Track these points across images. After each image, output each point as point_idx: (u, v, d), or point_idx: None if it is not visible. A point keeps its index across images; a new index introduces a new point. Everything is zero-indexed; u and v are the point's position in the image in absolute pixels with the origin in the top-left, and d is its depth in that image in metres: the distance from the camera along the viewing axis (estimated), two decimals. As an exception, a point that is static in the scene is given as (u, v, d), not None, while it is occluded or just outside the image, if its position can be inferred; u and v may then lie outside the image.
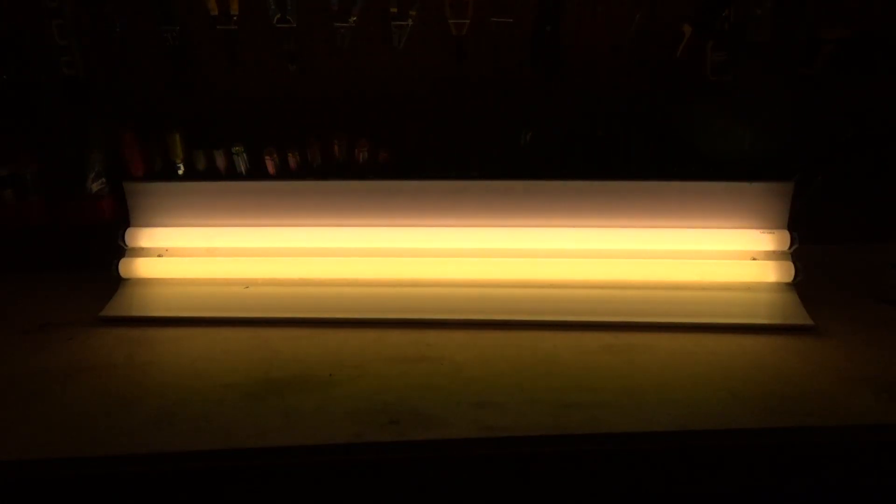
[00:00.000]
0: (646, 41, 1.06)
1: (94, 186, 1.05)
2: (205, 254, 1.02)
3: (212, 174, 1.06)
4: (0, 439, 0.70)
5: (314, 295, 0.99)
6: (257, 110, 1.10)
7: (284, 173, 1.05)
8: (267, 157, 1.03)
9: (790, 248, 0.97)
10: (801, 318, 0.92)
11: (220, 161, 1.06)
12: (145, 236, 1.02)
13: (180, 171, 1.06)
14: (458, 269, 0.99)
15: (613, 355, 0.85)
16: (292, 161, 1.05)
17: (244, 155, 1.05)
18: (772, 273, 0.97)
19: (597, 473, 0.72)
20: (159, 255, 1.02)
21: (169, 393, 0.78)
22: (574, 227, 0.99)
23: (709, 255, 0.98)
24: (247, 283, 1.01)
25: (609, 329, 0.91)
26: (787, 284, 0.97)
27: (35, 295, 1.03)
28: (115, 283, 1.01)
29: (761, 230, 0.97)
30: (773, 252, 0.98)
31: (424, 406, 0.74)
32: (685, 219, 0.99)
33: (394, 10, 1.02)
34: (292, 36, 1.04)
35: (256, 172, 1.06)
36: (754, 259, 0.98)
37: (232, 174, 1.06)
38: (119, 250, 1.02)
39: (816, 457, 0.72)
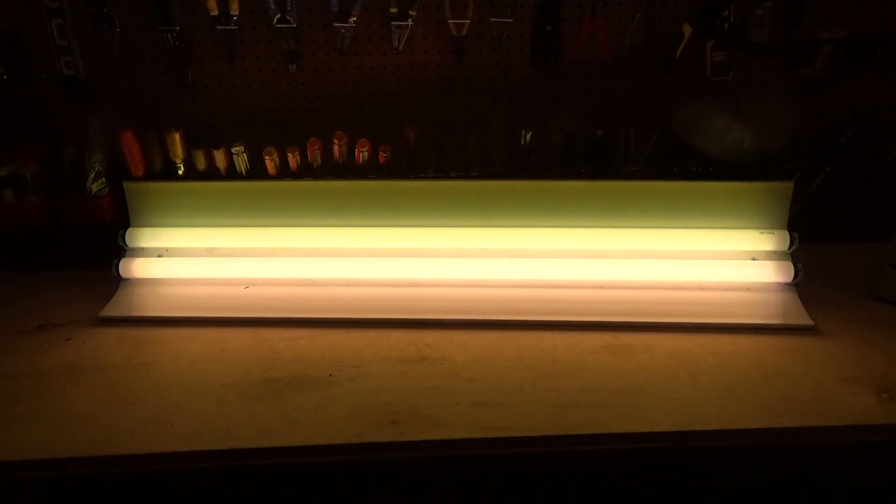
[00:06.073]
0: (646, 41, 1.06)
1: (94, 186, 1.05)
2: (205, 254, 1.02)
3: (212, 174, 1.06)
4: None
5: (314, 295, 0.99)
6: (257, 110, 1.10)
7: (284, 173, 1.05)
8: (267, 157, 1.03)
9: (790, 248, 0.97)
10: (801, 318, 0.92)
11: (220, 161, 1.06)
12: (145, 236, 1.02)
13: (180, 171, 1.06)
14: (458, 269, 0.98)
15: (613, 355, 0.85)
16: (292, 161, 1.05)
17: (244, 155, 1.05)
18: (772, 273, 0.97)
19: (597, 473, 0.72)
20: (159, 255, 1.02)
21: (169, 393, 0.78)
22: (574, 227, 0.99)
23: (709, 255, 0.98)
24: (247, 283, 1.01)
25: (609, 329, 0.91)
26: (787, 284, 0.97)
27: (35, 295, 1.03)
28: (115, 283, 1.01)
29: (761, 230, 0.98)
30: (773, 252, 0.98)
31: (424, 406, 0.75)
32: (685, 219, 0.99)
33: (394, 10, 1.02)
34: (292, 36, 1.04)
35: (256, 172, 1.06)
36: (754, 259, 0.98)
37: (232, 174, 1.06)
38: (119, 250, 1.02)
39: (817, 457, 0.72)
